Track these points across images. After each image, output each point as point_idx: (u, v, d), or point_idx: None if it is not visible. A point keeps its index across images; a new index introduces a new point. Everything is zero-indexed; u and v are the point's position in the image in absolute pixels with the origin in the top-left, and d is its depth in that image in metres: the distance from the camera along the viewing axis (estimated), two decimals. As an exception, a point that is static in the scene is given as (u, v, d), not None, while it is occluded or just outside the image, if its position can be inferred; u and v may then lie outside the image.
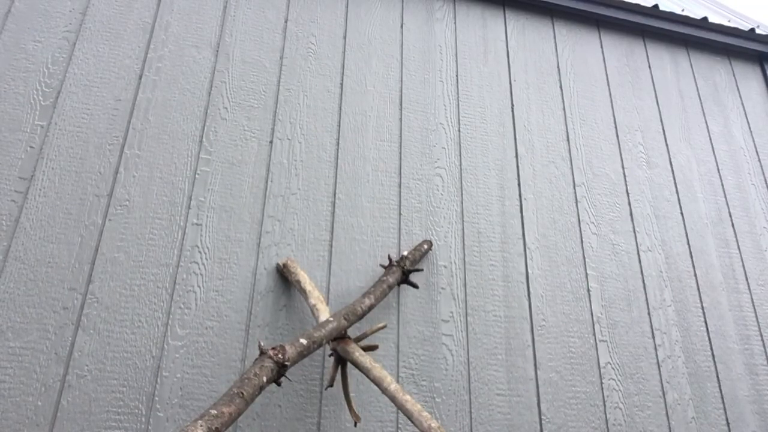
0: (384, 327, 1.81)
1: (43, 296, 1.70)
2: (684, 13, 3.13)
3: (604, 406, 2.06)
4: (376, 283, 1.91)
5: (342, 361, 1.73)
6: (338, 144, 2.24)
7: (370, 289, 1.88)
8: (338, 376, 1.76)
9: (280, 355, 1.47)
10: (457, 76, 2.55)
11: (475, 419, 1.92)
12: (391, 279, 1.92)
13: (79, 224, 1.82)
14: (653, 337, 2.23)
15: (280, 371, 1.47)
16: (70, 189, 1.86)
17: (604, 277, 2.29)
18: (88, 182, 1.90)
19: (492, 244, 2.23)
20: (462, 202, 2.27)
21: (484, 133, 2.45)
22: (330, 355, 1.76)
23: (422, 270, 2.01)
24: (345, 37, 2.46)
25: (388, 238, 2.12)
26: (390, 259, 1.99)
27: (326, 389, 1.80)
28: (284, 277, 1.94)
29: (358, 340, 1.73)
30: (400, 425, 1.84)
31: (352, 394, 1.77)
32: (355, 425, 1.72)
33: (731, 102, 2.97)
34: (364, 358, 1.68)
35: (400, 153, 2.30)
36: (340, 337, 1.70)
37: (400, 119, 2.36)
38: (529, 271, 2.21)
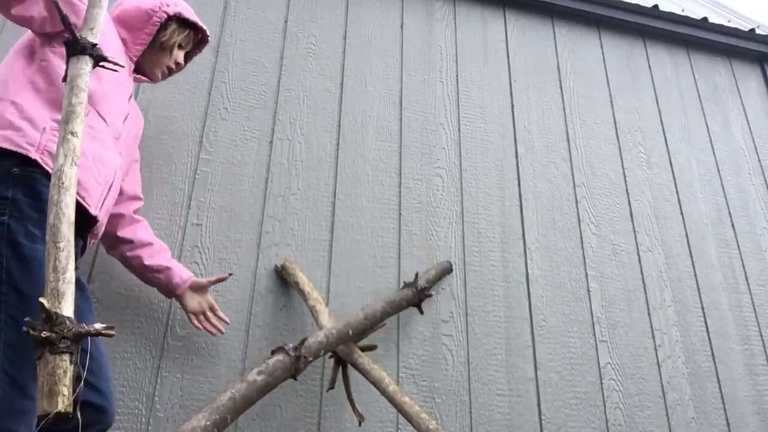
0: (383, 325, 1.81)
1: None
2: (684, 14, 3.13)
3: (604, 406, 2.05)
4: (390, 299, 1.89)
5: (342, 362, 1.73)
6: (338, 144, 2.24)
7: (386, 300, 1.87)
8: (339, 377, 1.76)
9: (298, 351, 1.50)
10: (457, 76, 2.55)
11: (475, 419, 1.92)
12: (405, 300, 1.90)
13: (79, 224, 1.82)
14: (653, 338, 2.23)
15: (296, 366, 1.48)
16: (70, 189, 1.86)
17: (604, 277, 2.29)
18: (88, 182, 1.89)
19: (492, 244, 2.23)
20: (462, 202, 2.27)
21: (484, 133, 2.45)
22: (330, 357, 1.76)
23: (432, 295, 1.99)
24: (345, 38, 2.46)
25: (388, 238, 2.12)
26: (406, 284, 1.95)
27: (327, 391, 1.80)
28: (283, 278, 1.94)
29: (357, 339, 1.73)
30: (400, 426, 1.84)
31: (354, 394, 1.77)
32: (360, 425, 1.72)
33: (731, 102, 2.97)
34: (363, 359, 1.68)
35: (400, 153, 2.30)
36: None
37: (400, 119, 2.36)
38: (529, 271, 2.21)
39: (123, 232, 1.64)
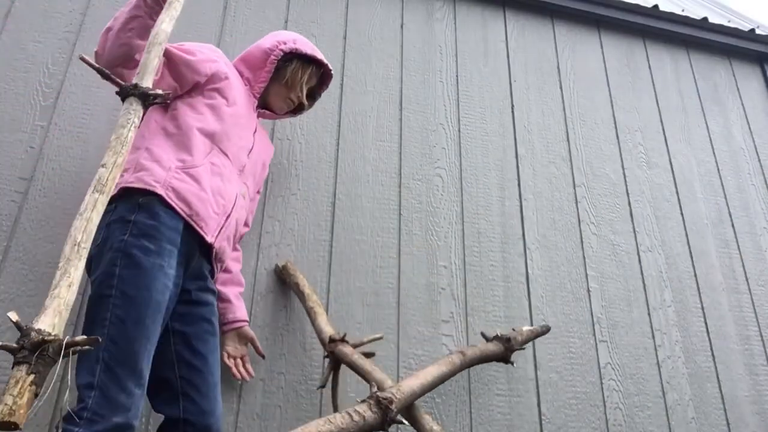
0: (381, 338, 1.77)
1: (43, 296, 1.68)
2: (684, 14, 3.13)
3: (604, 406, 2.05)
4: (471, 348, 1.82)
5: (337, 364, 1.70)
6: (338, 144, 2.24)
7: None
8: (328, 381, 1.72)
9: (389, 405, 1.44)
10: (457, 76, 2.55)
11: (475, 419, 1.92)
12: (495, 353, 1.83)
13: (79, 224, 1.82)
14: (653, 338, 2.23)
15: (383, 423, 1.42)
16: (70, 189, 1.86)
17: (604, 277, 2.29)
18: (88, 182, 1.89)
19: (492, 244, 2.23)
20: (462, 202, 2.27)
21: (484, 133, 2.45)
22: (325, 357, 1.75)
23: (513, 363, 1.89)
24: (345, 38, 2.46)
25: (388, 238, 2.12)
26: (497, 336, 1.87)
27: (317, 389, 1.79)
28: (283, 279, 1.94)
29: (354, 346, 1.72)
30: (400, 426, 1.84)
31: (351, 394, 1.76)
32: None
33: (731, 102, 2.97)
34: (364, 361, 1.65)
35: (400, 153, 2.30)
36: (338, 340, 1.69)
37: (400, 119, 2.36)
38: (529, 271, 2.21)
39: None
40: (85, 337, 0.90)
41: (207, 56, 1.68)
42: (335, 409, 1.66)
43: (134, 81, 1.25)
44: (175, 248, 1.42)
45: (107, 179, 1.11)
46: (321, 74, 1.94)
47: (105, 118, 2.00)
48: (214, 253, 1.55)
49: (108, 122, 1.99)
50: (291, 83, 1.83)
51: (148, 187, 1.43)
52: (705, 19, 3.08)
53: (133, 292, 1.31)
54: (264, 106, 1.87)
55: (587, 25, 2.91)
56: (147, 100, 1.23)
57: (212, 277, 1.63)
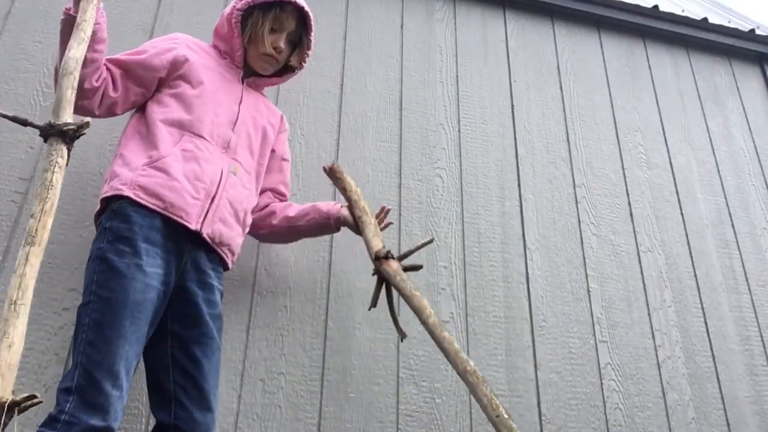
0: (431, 241, 1.70)
1: (43, 296, 1.70)
2: (684, 14, 3.13)
3: (604, 406, 2.05)
4: None
5: (386, 281, 1.64)
6: (338, 144, 2.24)
7: None
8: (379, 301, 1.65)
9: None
10: (457, 76, 2.55)
11: (476, 420, 1.92)
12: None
13: (79, 224, 1.82)
14: (653, 338, 2.23)
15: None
16: (70, 189, 1.86)
17: (604, 277, 2.29)
18: (88, 182, 1.89)
19: (492, 244, 2.23)
20: (462, 203, 2.27)
21: (484, 134, 2.45)
22: (373, 275, 1.67)
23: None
24: (345, 38, 2.46)
25: (388, 238, 2.12)
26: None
27: (369, 310, 1.70)
28: (284, 277, 1.94)
29: (401, 258, 1.64)
30: (400, 427, 1.84)
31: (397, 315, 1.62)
32: (402, 340, 1.68)
33: (731, 102, 2.97)
34: (406, 284, 1.58)
35: (400, 153, 2.30)
36: (383, 257, 1.62)
37: (400, 120, 2.36)
38: (529, 271, 2.21)
39: (273, 218, 1.78)
40: (26, 395, 0.89)
41: (160, 48, 1.64)
42: (396, 326, 1.60)
43: (50, 119, 1.21)
44: (154, 246, 1.41)
45: (36, 230, 1.09)
46: (302, 17, 1.77)
47: (105, 119, 1.99)
48: (210, 240, 1.51)
49: (108, 122, 1.99)
50: (254, 37, 1.70)
51: (117, 192, 1.45)
52: (705, 19, 3.08)
53: (108, 294, 1.33)
54: (254, 72, 1.79)
55: (587, 25, 2.91)
56: (65, 137, 1.20)
57: (223, 267, 1.60)
